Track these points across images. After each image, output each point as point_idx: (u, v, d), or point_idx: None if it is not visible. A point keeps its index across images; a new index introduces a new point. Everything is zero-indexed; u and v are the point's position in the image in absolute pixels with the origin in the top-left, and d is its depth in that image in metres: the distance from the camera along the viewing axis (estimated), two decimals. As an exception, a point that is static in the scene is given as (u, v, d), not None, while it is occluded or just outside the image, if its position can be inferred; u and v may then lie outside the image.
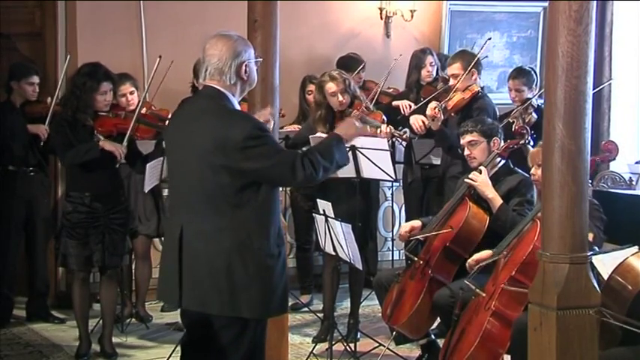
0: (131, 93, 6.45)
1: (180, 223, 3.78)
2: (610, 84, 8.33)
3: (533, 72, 7.08)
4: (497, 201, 5.21)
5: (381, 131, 6.03)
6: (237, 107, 3.86)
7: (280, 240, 3.81)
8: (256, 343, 3.83)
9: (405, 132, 6.57)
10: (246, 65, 3.81)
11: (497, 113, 6.71)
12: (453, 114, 6.52)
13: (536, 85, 6.93)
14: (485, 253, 4.96)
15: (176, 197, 3.92)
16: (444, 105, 6.44)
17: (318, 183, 3.91)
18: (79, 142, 5.62)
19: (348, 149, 5.48)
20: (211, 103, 3.78)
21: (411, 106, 6.82)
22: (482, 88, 6.67)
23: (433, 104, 6.49)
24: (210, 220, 3.70)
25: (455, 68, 6.57)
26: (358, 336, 6.08)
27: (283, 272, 3.81)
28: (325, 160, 3.77)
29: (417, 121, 6.60)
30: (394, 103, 7.01)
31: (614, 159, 6.95)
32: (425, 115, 6.53)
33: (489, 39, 7.13)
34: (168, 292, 3.86)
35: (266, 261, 3.72)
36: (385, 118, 6.23)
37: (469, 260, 5.01)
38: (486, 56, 7.29)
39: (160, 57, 5.83)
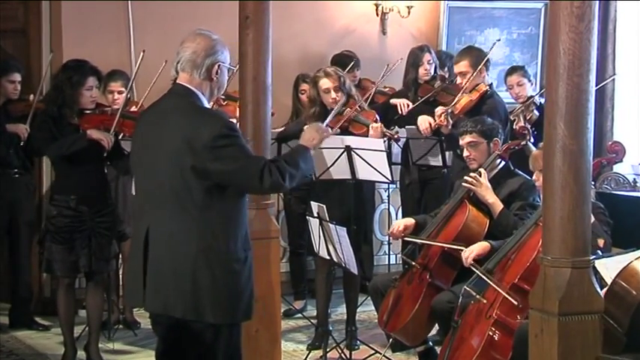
0: (119, 92, 6.39)
1: (146, 225, 3.73)
2: (614, 82, 8.23)
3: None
4: (497, 206, 5.13)
5: (372, 128, 5.89)
6: (208, 106, 3.85)
7: (247, 244, 3.77)
8: (233, 348, 3.79)
9: (397, 132, 6.43)
10: (219, 66, 3.79)
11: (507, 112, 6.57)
12: (461, 116, 6.33)
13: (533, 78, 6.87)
14: (482, 245, 4.88)
15: (143, 198, 3.86)
16: (450, 110, 6.27)
17: (284, 191, 3.87)
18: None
19: (342, 149, 5.49)
20: (181, 102, 3.76)
21: (409, 105, 6.67)
22: (490, 85, 6.51)
23: (440, 110, 6.31)
24: (177, 221, 3.66)
25: (462, 66, 6.41)
26: (357, 344, 5.96)
27: (250, 277, 3.77)
28: (291, 168, 3.77)
29: (424, 122, 6.42)
30: (392, 101, 6.86)
31: (621, 161, 6.87)
32: (427, 114, 6.39)
33: (498, 40, 7.00)
34: (134, 292, 3.81)
35: (232, 265, 3.69)
36: (378, 118, 6.10)
37: (465, 255, 4.90)
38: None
39: (144, 51, 5.78)
